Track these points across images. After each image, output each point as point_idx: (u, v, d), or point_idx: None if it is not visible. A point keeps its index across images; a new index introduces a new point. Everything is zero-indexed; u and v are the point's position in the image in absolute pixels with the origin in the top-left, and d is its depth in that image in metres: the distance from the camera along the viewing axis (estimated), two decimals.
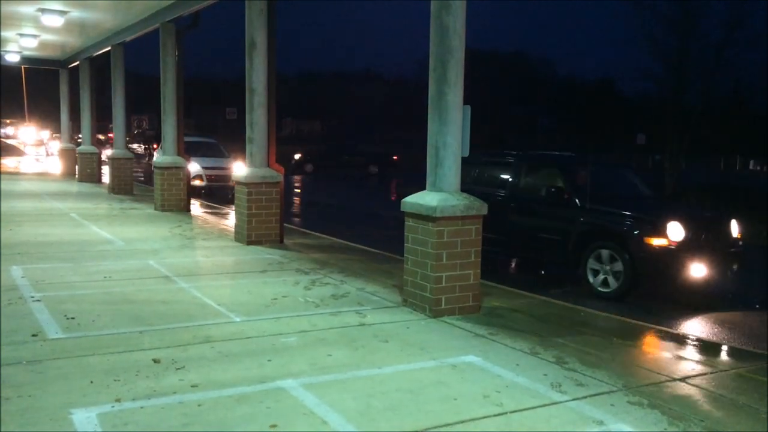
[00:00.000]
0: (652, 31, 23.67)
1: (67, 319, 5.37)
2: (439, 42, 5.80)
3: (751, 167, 53.24)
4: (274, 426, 3.54)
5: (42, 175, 22.05)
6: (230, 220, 11.85)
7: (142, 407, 3.71)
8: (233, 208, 10.53)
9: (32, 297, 6.03)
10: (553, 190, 8.52)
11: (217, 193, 18.64)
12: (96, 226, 10.64)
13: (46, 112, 46.57)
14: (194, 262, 8.18)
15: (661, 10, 23.45)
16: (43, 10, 13.08)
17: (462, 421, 3.69)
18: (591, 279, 7.99)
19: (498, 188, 9.33)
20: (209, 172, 18.48)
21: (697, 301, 7.94)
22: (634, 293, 7.79)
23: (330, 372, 4.38)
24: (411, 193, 6.06)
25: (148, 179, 22.52)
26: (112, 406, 3.71)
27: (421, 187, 6.11)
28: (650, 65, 29.86)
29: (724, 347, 5.81)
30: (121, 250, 8.59)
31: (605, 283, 7.85)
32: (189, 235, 10.13)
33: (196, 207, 14.32)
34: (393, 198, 22.42)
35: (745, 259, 8.20)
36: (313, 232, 11.13)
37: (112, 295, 6.21)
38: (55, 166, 23.68)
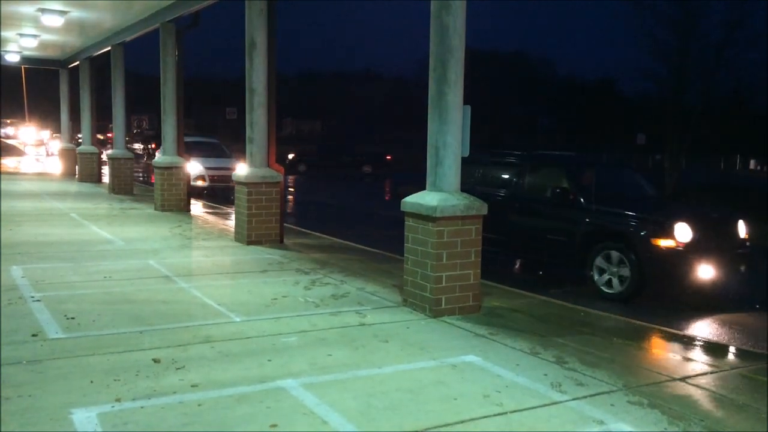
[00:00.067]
0: (653, 31, 23.73)
1: (67, 319, 5.37)
2: (439, 42, 5.80)
3: (751, 167, 53.24)
4: (274, 426, 3.54)
5: (42, 175, 22.05)
6: (230, 220, 11.85)
7: (142, 407, 3.71)
8: (233, 208, 10.53)
9: (32, 297, 6.03)
10: (558, 190, 8.47)
11: (220, 194, 18.62)
12: (96, 226, 10.65)
13: (46, 112, 46.59)
14: (194, 261, 8.19)
15: (661, 10, 23.50)
16: (43, 10, 13.08)
17: (462, 421, 3.69)
18: (597, 280, 7.91)
19: (503, 188, 9.29)
20: (212, 172, 18.41)
21: (704, 302, 7.90)
22: (641, 295, 7.72)
23: (330, 372, 4.38)
24: (409, 193, 6.06)
25: (147, 179, 22.55)
26: (113, 406, 3.71)
27: (419, 186, 6.11)
28: (650, 65, 29.93)
29: (725, 347, 5.81)
30: (121, 250, 8.59)
31: (612, 284, 7.78)
32: (189, 235, 10.13)
33: (196, 207, 14.32)
34: (387, 198, 22.50)
35: (752, 260, 8.13)
36: (313, 232, 11.13)
37: (112, 295, 6.21)
38: (55, 166, 23.68)
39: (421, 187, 6.09)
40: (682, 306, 7.77)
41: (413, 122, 30.55)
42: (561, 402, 4.02)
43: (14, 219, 11.03)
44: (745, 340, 6.48)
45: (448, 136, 5.84)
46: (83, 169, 20.11)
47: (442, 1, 5.75)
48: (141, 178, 24.80)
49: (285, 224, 10.03)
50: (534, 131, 60.87)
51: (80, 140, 21.16)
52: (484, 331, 5.48)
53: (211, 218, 12.59)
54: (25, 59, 21.57)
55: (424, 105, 5.98)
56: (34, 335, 4.92)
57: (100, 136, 26.38)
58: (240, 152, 12.71)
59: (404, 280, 6.19)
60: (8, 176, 20.32)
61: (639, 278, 7.54)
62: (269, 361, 4.55)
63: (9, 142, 28.06)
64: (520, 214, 8.99)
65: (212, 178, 18.41)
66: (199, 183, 18.10)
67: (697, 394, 4.32)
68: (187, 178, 13.52)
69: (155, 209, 13.17)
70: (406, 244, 6.07)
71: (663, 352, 5.34)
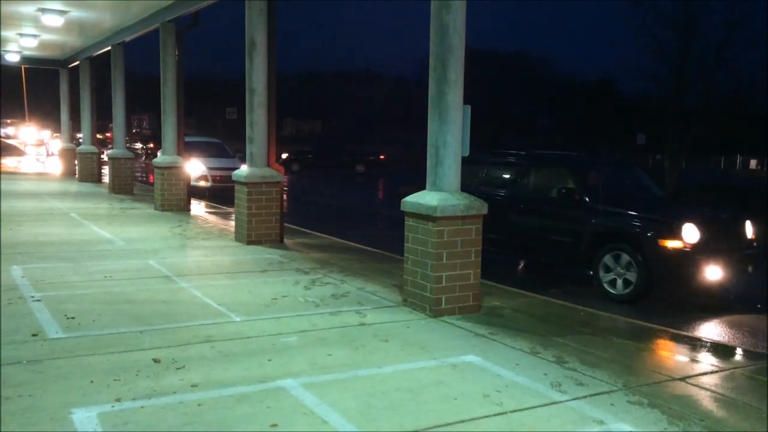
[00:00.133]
0: (653, 31, 23.71)
1: (68, 318, 5.37)
2: (439, 41, 5.80)
3: (751, 167, 53.21)
4: (274, 426, 3.54)
5: (42, 175, 22.05)
6: (230, 220, 11.85)
7: (142, 407, 3.71)
8: (233, 208, 10.53)
9: (32, 297, 6.03)
10: (564, 190, 8.42)
11: (223, 194, 18.59)
12: (96, 226, 10.65)
13: (46, 111, 46.60)
14: (194, 261, 8.19)
15: (661, 10, 23.49)
16: (43, 10, 13.08)
17: (462, 421, 3.69)
18: (603, 281, 7.85)
19: (507, 188, 9.24)
20: (214, 172, 18.33)
21: (711, 303, 7.86)
22: (648, 296, 7.67)
23: (330, 371, 4.38)
24: (408, 193, 6.05)
25: (145, 179, 22.52)
26: (113, 406, 3.71)
27: (419, 186, 6.11)
28: (650, 65, 29.84)
29: (726, 347, 5.80)
30: (122, 250, 8.59)
31: (618, 285, 7.72)
32: (189, 235, 10.13)
33: (196, 207, 14.32)
34: (381, 197, 22.50)
35: (760, 261, 8.07)
36: (313, 232, 11.13)
37: (113, 295, 6.21)
38: (56, 165, 23.67)
39: (421, 186, 6.09)
40: (690, 307, 7.73)
41: (413, 122, 30.53)
42: (561, 402, 4.02)
43: (14, 219, 11.03)
44: (747, 341, 6.48)
45: (448, 135, 5.84)
46: (83, 168, 20.11)
47: (442, 0, 5.75)
48: (141, 178, 24.79)
49: (284, 224, 10.03)
50: (534, 131, 60.80)
51: (80, 140, 21.15)
52: (484, 330, 5.48)
53: (211, 218, 12.59)
54: (25, 59, 21.57)
55: (424, 105, 5.98)
56: (34, 335, 4.92)
57: (99, 136, 26.37)
58: (241, 152, 12.68)
59: (404, 279, 6.19)
60: (8, 176, 20.32)
61: (646, 279, 7.46)
62: (269, 360, 4.55)
63: (9, 142, 28.02)
64: (525, 215, 8.95)
65: (215, 179, 18.33)
66: (202, 183, 18.03)
67: (698, 393, 4.32)
68: (187, 178, 13.52)
69: (155, 209, 13.18)
70: (406, 244, 6.07)
71: (663, 351, 5.34)
